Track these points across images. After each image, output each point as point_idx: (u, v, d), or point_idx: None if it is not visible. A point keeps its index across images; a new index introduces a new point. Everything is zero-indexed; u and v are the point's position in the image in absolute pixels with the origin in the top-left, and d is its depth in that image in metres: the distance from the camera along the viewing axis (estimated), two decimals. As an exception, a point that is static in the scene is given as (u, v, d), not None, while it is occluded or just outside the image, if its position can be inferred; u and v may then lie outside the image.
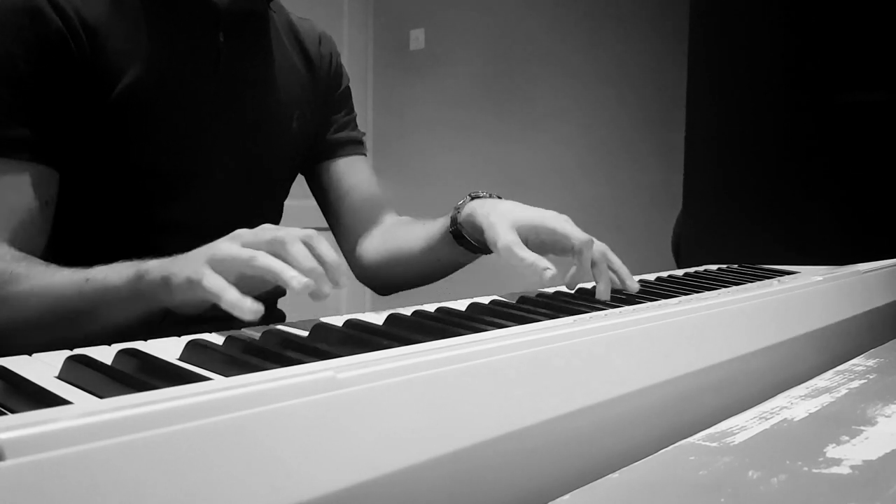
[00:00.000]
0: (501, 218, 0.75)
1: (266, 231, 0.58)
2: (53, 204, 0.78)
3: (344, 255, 1.03)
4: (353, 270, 1.02)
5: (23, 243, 0.74)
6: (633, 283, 0.76)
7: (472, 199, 0.82)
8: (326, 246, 0.59)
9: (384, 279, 0.99)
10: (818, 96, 1.55)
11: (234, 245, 0.57)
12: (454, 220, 0.83)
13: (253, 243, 0.57)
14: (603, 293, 0.73)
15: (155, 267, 0.62)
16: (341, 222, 1.01)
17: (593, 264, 0.73)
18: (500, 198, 0.82)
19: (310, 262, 0.56)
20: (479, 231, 0.78)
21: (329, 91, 1.01)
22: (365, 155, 1.04)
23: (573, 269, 0.73)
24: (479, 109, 3.09)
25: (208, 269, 0.56)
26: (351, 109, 1.05)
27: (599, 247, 0.75)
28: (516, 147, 2.98)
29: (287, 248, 0.56)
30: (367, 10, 3.36)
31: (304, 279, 0.53)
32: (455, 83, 3.14)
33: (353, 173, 1.01)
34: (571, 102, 2.85)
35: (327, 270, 0.57)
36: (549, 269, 0.68)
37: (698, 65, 1.75)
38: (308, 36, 1.00)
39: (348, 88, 1.05)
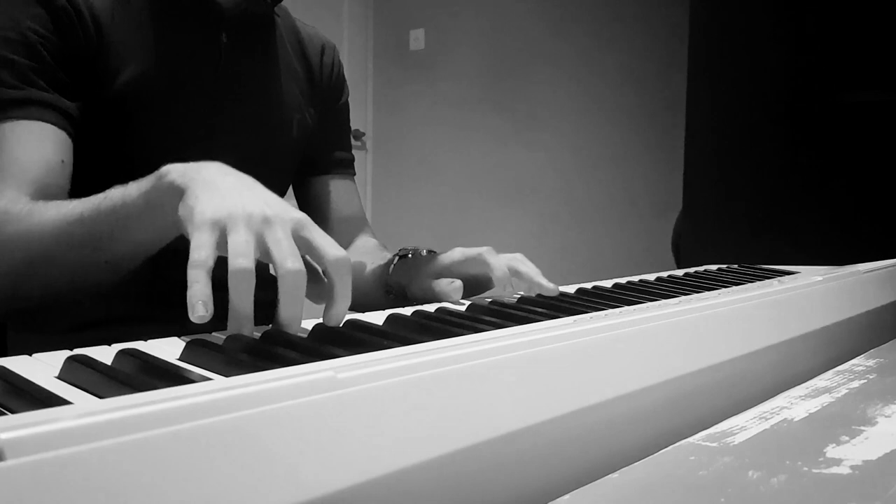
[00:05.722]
0: (421, 274, 0.77)
1: (288, 246, 0.52)
2: (70, 165, 0.76)
3: None
4: None
5: (43, 198, 0.72)
6: (547, 284, 0.74)
7: (400, 258, 0.84)
8: (321, 236, 0.57)
9: None
10: (818, 96, 1.56)
11: (247, 231, 0.51)
12: (386, 280, 0.84)
13: (266, 250, 0.51)
14: (549, 289, 0.72)
15: (178, 169, 0.57)
16: None
17: (514, 272, 0.74)
18: (424, 253, 0.83)
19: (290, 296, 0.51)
20: (406, 292, 0.80)
21: (328, 102, 1.01)
22: (353, 175, 1.05)
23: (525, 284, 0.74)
24: (478, 109, 3.09)
25: (211, 223, 0.51)
26: (347, 125, 1.06)
27: (511, 255, 0.76)
28: (516, 147, 2.98)
29: (283, 277, 0.50)
30: (367, 10, 3.36)
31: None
32: (455, 83, 3.15)
33: (337, 194, 1.02)
34: (571, 103, 2.85)
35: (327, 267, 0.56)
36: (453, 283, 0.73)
37: (698, 65, 1.75)
38: (311, 44, 0.99)
39: (347, 104, 1.05)
